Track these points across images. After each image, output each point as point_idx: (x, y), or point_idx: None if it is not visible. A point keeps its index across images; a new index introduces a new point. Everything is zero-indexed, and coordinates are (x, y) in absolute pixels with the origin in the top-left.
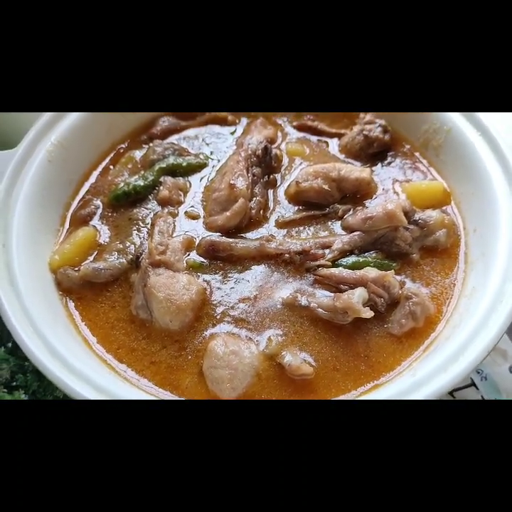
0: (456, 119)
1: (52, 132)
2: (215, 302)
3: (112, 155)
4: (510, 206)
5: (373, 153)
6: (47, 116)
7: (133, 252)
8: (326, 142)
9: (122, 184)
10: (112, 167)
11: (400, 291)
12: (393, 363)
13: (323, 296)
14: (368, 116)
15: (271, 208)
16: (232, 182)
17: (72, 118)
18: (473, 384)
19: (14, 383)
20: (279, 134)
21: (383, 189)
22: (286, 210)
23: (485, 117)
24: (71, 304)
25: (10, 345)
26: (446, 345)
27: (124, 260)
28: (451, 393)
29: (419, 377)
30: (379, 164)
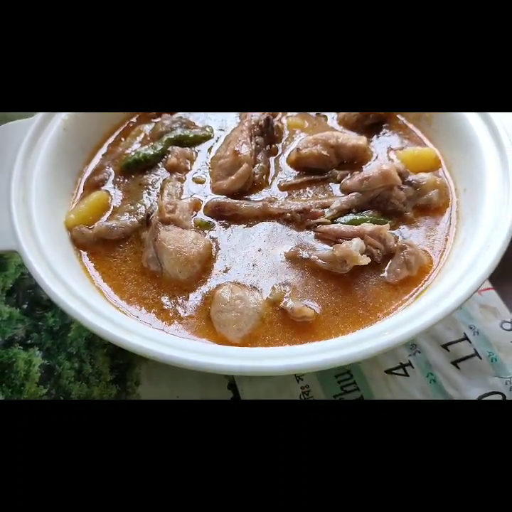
0: None
1: None
2: (221, 256)
3: (122, 128)
4: (496, 166)
5: (369, 124)
6: None
7: (143, 212)
8: (325, 116)
9: (133, 153)
10: (122, 139)
11: (395, 244)
12: (389, 308)
13: (323, 249)
14: None
15: (273, 174)
16: (236, 149)
17: None
18: (466, 338)
19: (29, 341)
20: None
21: (378, 156)
22: (287, 175)
23: None
24: (85, 259)
25: (25, 306)
26: (438, 286)
27: (135, 219)
28: (445, 346)
29: (413, 311)
30: (375, 135)
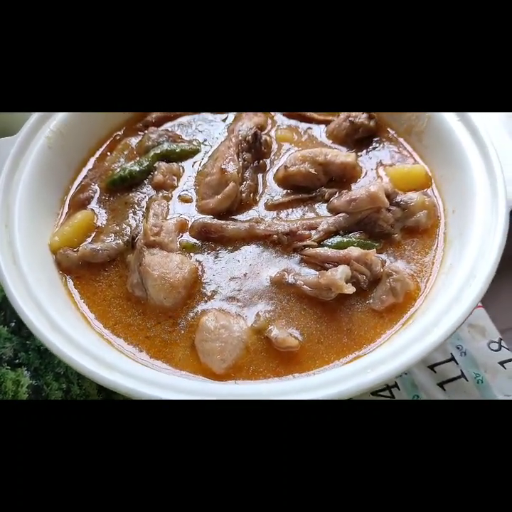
0: None
1: (52, 120)
2: (206, 280)
3: (108, 142)
4: (486, 189)
5: (359, 138)
6: None
7: (129, 233)
8: (314, 129)
9: (118, 169)
10: (108, 153)
11: (382, 269)
12: (374, 335)
13: (308, 274)
14: None
15: (260, 192)
16: (223, 167)
17: None
18: (453, 359)
19: (17, 361)
20: (269, 121)
21: (368, 173)
22: (275, 193)
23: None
24: (70, 283)
25: (13, 324)
26: (422, 319)
27: (121, 241)
28: (432, 367)
29: (396, 347)
30: (364, 149)
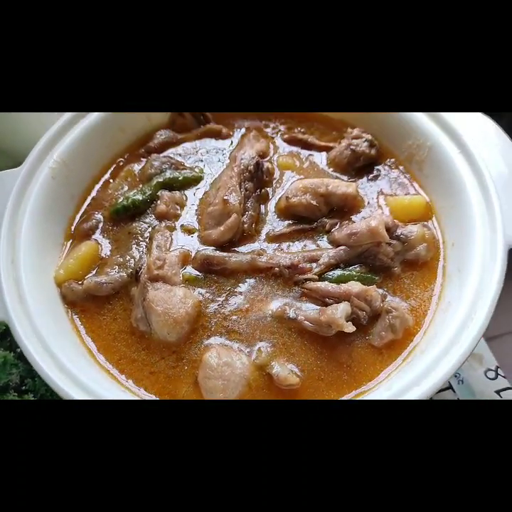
0: (438, 136)
1: (55, 150)
2: (209, 314)
3: (112, 169)
4: (485, 226)
5: (360, 166)
6: (49, 134)
7: (133, 265)
8: (315, 155)
9: (122, 198)
10: (111, 181)
11: (382, 304)
12: (373, 372)
13: (309, 309)
14: (355, 130)
15: (263, 221)
16: (225, 197)
17: (73, 135)
18: (450, 387)
19: (23, 387)
20: (271, 145)
21: (369, 202)
22: (276, 223)
23: (465, 135)
24: (75, 316)
25: (19, 350)
26: (421, 359)
27: (125, 274)
28: None
29: (394, 392)
30: (366, 177)
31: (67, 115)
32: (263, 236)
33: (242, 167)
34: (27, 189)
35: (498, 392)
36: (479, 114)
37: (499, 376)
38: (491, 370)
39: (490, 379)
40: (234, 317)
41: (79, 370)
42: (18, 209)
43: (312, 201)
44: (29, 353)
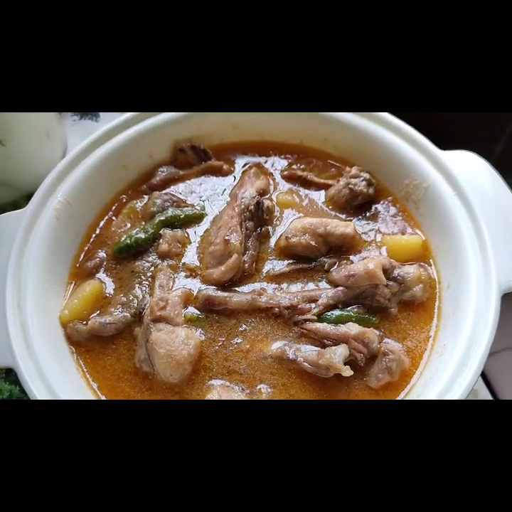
0: (435, 178)
1: (59, 190)
2: (211, 354)
3: (115, 206)
4: (479, 271)
5: (358, 204)
6: (52, 174)
7: (136, 306)
8: (314, 193)
9: (125, 237)
10: (114, 218)
11: (379, 346)
12: None
13: (308, 351)
14: (353, 169)
15: (263, 260)
16: (226, 237)
17: (76, 174)
18: None
19: None
20: (271, 181)
21: (367, 241)
22: (276, 262)
23: (461, 177)
24: (80, 356)
25: None
26: None
27: (128, 314)
28: None
29: None
30: (363, 215)
31: (70, 154)
32: (263, 274)
33: (242, 207)
34: (31, 232)
35: None
36: (473, 154)
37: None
38: None
39: None
40: (235, 357)
41: None
42: (23, 253)
43: (311, 242)
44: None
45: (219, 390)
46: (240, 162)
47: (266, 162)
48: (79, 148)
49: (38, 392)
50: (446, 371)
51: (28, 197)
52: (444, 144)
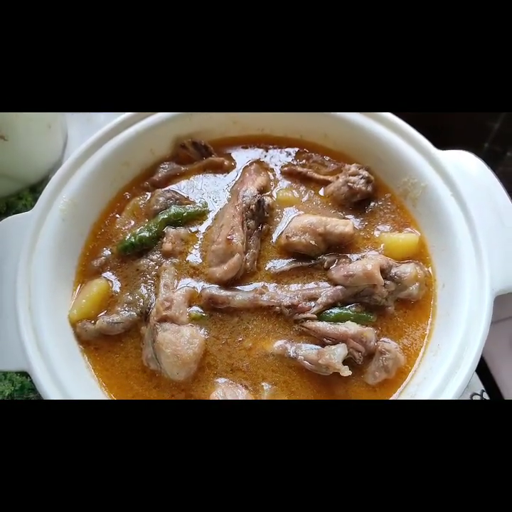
0: (432, 178)
1: (64, 191)
2: (215, 352)
3: (118, 203)
4: (473, 273)
5: (357, 201)
6: (57, 175)
7: (142, 305)
8: (314, 189)
9: (129, 235)
10: (118, 216)
11: (376, 344)
12: None
13: (309, 349)
14: (353, 167)
15: (263, 257)
16: (228, 237)
17: (80, 174)
18: None
19: None
20: (272, 176)
21: (365, 238)
22: (277, 259)
23: (458, 179)
24: (90, 355)
25: None
26: None
27: (134, 313)
28: None
29: None
30: (362, 212)
31: (73, 155)
32: (264, 272)
33: (244, 205)
34: (38, 235)
35: None
36: (470, 154)
37: (484, 399)
38: (477, 393)
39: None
40: (238, 355)
41: None
42: (32, 257)
43: (311, 241)
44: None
45: (223, 387)
46: (241, 156)
47: (266, 157)
48: (81, 148)
49: (51, 392)
50: (439, 372)
51: (31, 188)
52: (442, 142)
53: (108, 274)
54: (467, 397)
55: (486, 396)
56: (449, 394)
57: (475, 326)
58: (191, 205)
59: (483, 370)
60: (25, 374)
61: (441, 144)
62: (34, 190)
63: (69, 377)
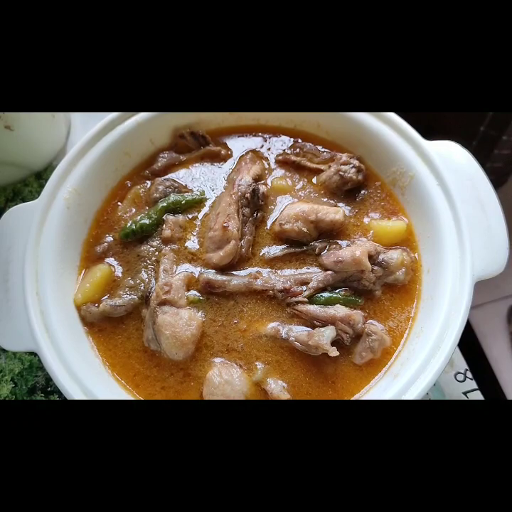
0: (420, 168)
1: (68, 180)
2: (211, 334)
3: (120, 191)
4: (455, 258)
5: (348, 189)
6: (61, 166)
7: (143, 289)
8: (307, 177)
9: (130, 222)
10: (120, 203)
11: (363, 326)
12: (354, 388)
13: (300, 330)
14: (344, 156)
15: (258, 243)
16: (224, 224)
17: (83, 164)
18: None
19: (49, 388)
20: (267, 165)
21: (355, 225)
22: (271, 245)
23: (444, 170)
24: (94, 336)
25: None
26: (394, 383)
27: (136, 297)
28: None
29: None
30: (353, 200)
31: (76, 146)
32: (259, 257)
33: (239, 194)
34: (45, 223)
35: (465, 393)
36: (456, 145)
37: (467, 379)
38: (461, 372)
39: (459, 381)
40: (233, 336)
41: (101, 392)
42: (39, 244)
43: (303, 228)
44: (57, 379)
45: (219, 367)
46: (237, 145)
47: (262, 146)
48: (84, 139)
49: (58, 371)
50: (422, 352)
51: (36, 175)
52: (430, 133)
53: (110, 260)
54: (451, 376)
55: (469, 375)
56: (430, 372)
57: (456, 310)
58: (189, 194)
59: (474, 348)
60: (33, 354)
61: (431, 134)
62: (39, 176)
63: (75, 357)
